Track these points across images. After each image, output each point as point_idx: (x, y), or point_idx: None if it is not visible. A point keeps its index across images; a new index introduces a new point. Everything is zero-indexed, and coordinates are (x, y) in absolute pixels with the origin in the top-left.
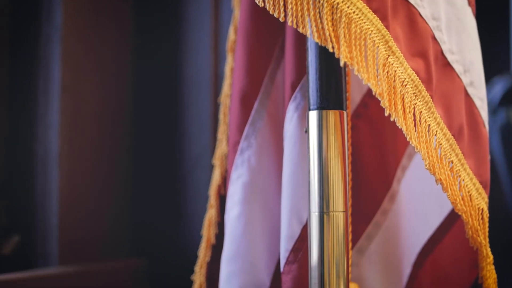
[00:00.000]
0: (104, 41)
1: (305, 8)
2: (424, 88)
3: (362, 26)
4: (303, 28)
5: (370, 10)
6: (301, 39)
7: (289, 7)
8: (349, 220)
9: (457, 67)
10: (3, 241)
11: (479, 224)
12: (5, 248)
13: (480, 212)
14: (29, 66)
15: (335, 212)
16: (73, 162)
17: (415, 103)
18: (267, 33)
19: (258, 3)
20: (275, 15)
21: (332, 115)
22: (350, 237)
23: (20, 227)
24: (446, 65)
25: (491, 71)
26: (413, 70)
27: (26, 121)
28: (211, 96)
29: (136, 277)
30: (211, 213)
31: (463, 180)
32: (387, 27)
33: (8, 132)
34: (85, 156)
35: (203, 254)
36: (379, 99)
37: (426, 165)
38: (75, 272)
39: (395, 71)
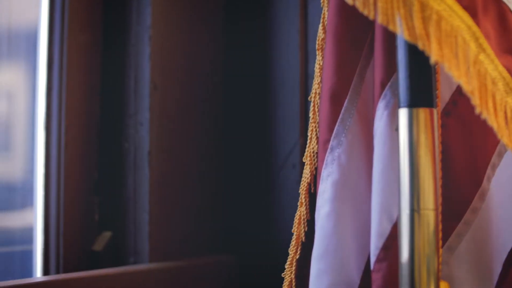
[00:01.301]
0: (192, 40)
1: (395, 6)
2: None
3: (453, 24)
4: (393, 26)
5: (460, 7)
6: (390, 37)
7: (379, 5)
8: (439, 218)
9: None
10: (95, 237)
11: None
12: (97, 244)
13: None
14: (120, 66)
15: (426, 210)
16: (163, 160)
17: (506, 101)
18: (356, 31)
19: (347, 2)
20: (365, 13)
21: (422, 113)
22: (440, 235)
23: (112, 224)
24: None
25: None
26: (504, 67)
27: (117, 119)
28: (299, 94)
29: (225, 274)
30: (301, 211)
31: None
32: (477, 24)
33: (100, 131)
34: (175, 154)
35: (293, 251)
36: (470, 97)
37: None
38: (165, 268)
39: (486, 68)
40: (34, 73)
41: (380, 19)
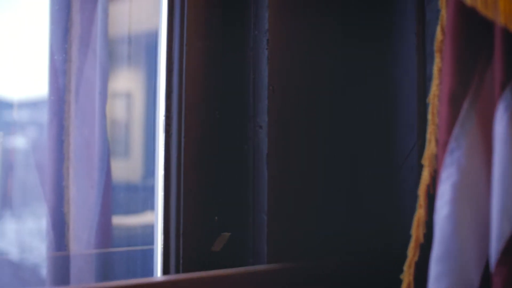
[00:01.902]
0: (309, 44)
1: None
2: None
3: None
4: None
5: None
6: (511, 38)
7: (500, 5)
8: None
9: None
10: (214, 237)
11: None
12: (216, 245)
13: None
14: (239, 69)
15: None
16: (281, 162)
17: None
18: (475, 32)
19: (466, 3)
20: (485, 14)
21: None
22: None
23: (231, 225)
24: None
25: None
26: None
27: (236, 122)
28: (417, 96)
29: (343, 276)
30: (420, 213)
31: None
32: None
33: (220, 133)
34: (293, 156)
35: (412, 253)
36: None
37: None
38: (284, 269)
39: None
40: (154, 77)
41: (500, 20)
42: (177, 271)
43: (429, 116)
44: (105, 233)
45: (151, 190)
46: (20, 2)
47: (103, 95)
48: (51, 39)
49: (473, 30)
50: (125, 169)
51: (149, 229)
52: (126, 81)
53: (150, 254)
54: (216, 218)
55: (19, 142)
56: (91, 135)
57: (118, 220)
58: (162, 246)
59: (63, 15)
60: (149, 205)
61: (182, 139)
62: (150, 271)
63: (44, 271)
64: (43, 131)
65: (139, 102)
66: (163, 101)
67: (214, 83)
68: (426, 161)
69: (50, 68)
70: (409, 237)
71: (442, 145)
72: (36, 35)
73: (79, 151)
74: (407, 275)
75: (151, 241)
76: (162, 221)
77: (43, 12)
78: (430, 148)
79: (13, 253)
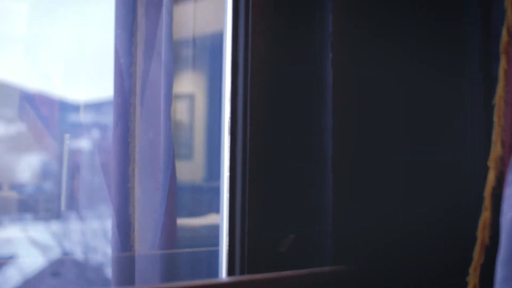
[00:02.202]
0: (373, 47)
1: None
2: None
3: None
4: None
5: None
6: None
7: None
8: None
9: None
10: (279, 239)
11: None
12: (282, 246)
13: None
14: (304, 72)
15: None
16: (346, 164)
17: None
18: None
19: None
20: None
21: None
22: None
23: (296, 226)
24: None
25: None
26: None
27: (301, 125)
28: (482, 98)
29: (407, 278)
30: (485, 215)
31: None
32: None
33: (284, 135)
34: (358, 159)
35: (477, 256)
36: None
37: None
38: (349, 271)
39: None
40: (217, 79)
41: None
42: (242, 272)
43: (495, 118)
44: (170, 234)
45: (214, 191)
46: (87, 6)
47: (168, 97)
48: (116, 42)
49: None
50: (189, 171)
51: (214, 231)
52: (190, 83)
53: (215, 255)
54: (281, 219)
55: (85, 144)
56: (156, 137)
57: (183, 221)
58: (227, 247)
59: (129, 18)
60: (213, 207)
61: (248, 141)
62: (215, 272)
63: (109, 272)
64: (109, 133)
65: (202, 104)
66: (228, 103)
67: (278, 85)
68: (492, 163)
69: (115, 71)
70: (474, 239)
71: (509, 147)
72: (102, 38)
73: (144, 153)
74: (472, 278)
75: (215, 242)
76: (227, 222)
77: (109, 15)
78: (496, 150)
79: (79, 254)
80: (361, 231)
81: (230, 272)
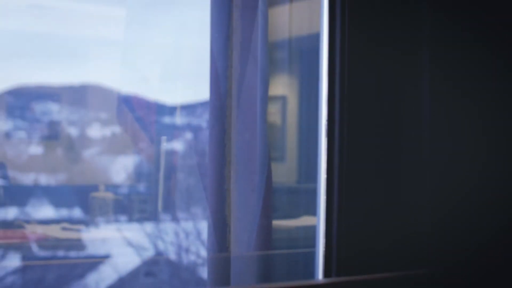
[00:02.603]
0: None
1: None
2: None
3: None
4: None
5: None
6: None
7: None
8: None
9: None
10: (376, 241)
11: None
12: (378, 248)
13: None
14: (400, 73)
15: None
16: (442, 167)
17: None
18: None
19: None
20: None
21: None
22: None
23: (393, 227)
24: None
25: None
26: None
27: (397, 126)
28: None
29: None
30: None
31: None
32: None
33: (381, 137)
34: (457, 161)
35: None
36: None
37: None
38: (447, 273)
39: None
40: (311, 81)
41: None
42: (339, 273)
43: None
44: (266, 235)
45: (307, 193)
46: (183, 11)
47: (264, 99)
48: (212, 45)
49: None
50: (282, 173)
51: (308, 232)
52: (282, 85)
53: (311, 256)
54: (377, 220)
55: (181, 146)
56: (252, 139)
57: (278, 222)
58: (324, 249)
59: (225, 22)
60: (306, 209)
61: (345, 143)
62: (310, 274)
63: (202, 272)
64: (205, 135)
65: (295, 106)
66: (325, 105)
67: (375, 87)
68: None
69: (211, 74)
70: None
71: None
72: (198, 42)
73: (240, 155)
74: None
75: (309, 243)
76: (324, 224)
77: (204, 19)
78: None
79: (174, 254)
80: (460, 235)
81: (327, 273)
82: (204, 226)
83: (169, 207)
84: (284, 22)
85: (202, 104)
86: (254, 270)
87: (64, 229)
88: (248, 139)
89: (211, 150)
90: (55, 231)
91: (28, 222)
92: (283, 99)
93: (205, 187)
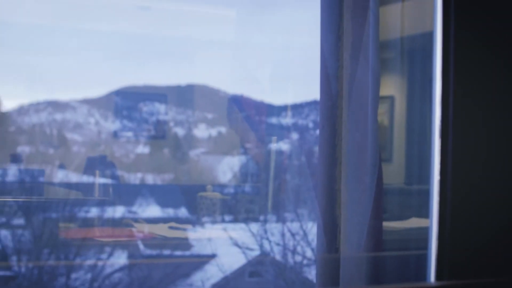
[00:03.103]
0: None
1: None
2: None
3: None
4: None
5: None
6: None
7: None
8: None
9: None
10: (488, 245)
11: None
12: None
13: None
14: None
15: None
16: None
17: None
18: None
19: None
20: None
21: None
22: None
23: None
24: None
25: None
26: None
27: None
28: None
29: None
30: None
31: None
32: None
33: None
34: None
35: None
36: None
37: None
38: None
39: None
40: (420, 81)
41: None
42: (451, 277)
43: None
44: (376, 236)
45: (416, 194)
46: (293, 11)
47: (375, 100)
48: (323, 46)
49: None
50: (390, 174)
51: (420, 234)
52: (390, 85)
53: (422, 259)
54: (490, 222)
55: (289, 146)
56: (363, 139)
57: (386, 224)
58: (436, 251)
59: (335, 22)
60: (416, 210)
61: (459, 144)
62: (422, 277)
63: (310, 273)
64: (315, 136)
65: (404, 106)
66: (438, 106)
67: (488, 86)
68: None
69: (322, 74)
70: None
71: None
72: (308, 42)
73: (351, 156)
74: None
75: (422, 245)
76: (437, 226)
77: (314, 20)
78: None
79: (281, 254)
80: None
81: (439, 276)
82: (310, 227)
83: (276, 207)
84: (395, 21)
85: (308, 104)
86: (363, 272)
87: (171, 228)
88: (358, 139)
89: (321, 150)
90: (162, 230)
91: (136, 220)
92: (390, 99)
93: (315, 187)
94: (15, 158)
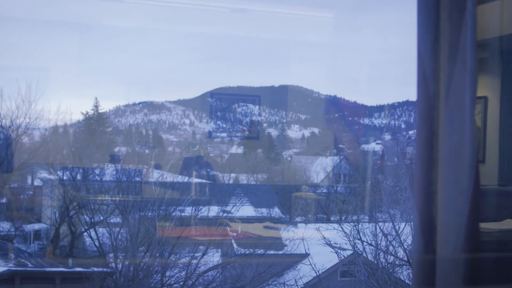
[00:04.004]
0: None
1: None
2: None
3: None
4: None
5: None
6: None
7: None
8: None
9: None
10: None
11: None
12: None
13: None
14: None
15: None
16: None
17: None
18: None
19: None
20: None
21: None
22: None
23: None
24: None
25: None
26: None
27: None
28: None
29: None
30: None
31: None
32: None
33: None
34: None
35: None
36: None
37: None
38: None
39: None
40: None
41: None
42: None
43: None
44: (474, 238)
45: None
46: (389, 12)
47: (472, 101)
48: (420, 47)
49: None
50: (483, 175)
51: None
52: (485, 86)
53: None
54: None
55: (383, 147)
56: (460, 141)
57: (486, 225)
58: None
59: (432, 23)
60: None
61: None
62: None
63: (402, 274)
64: (407, 137)
65: (498, 106)
66: None
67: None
68: None
69: (419, 75)
70: None
71: None
72: (404, 44)
73: (448, 157)
74: None
75: None
76: None
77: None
78: None
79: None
80: None
81: None
82: (402, 227)
83: (368, 208)
84: (493, 21)
85: (401, 105)
86: (460, 273)
87: (266, 227)
88: (456, 141)
89: (419, 151)
90: (258, 230)
91: (231, 220)
92: (483, 99)
93: (412, 188)
94: (113, 159)
